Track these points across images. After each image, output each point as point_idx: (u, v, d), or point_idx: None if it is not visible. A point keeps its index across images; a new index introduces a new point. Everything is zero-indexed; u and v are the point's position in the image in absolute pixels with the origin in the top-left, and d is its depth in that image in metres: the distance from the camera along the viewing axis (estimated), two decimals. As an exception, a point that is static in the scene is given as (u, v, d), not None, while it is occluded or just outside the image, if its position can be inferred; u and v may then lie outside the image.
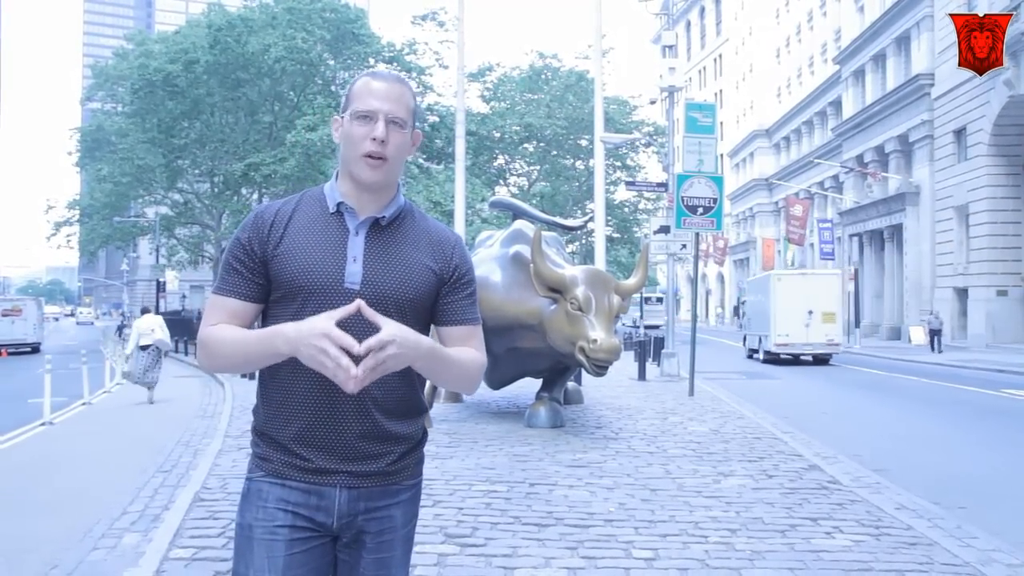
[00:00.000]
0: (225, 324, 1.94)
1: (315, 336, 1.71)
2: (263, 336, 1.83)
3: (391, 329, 1.75)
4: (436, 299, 2.02)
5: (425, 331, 2.02)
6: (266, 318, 1.99)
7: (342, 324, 1.78)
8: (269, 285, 1.96)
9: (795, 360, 24.83)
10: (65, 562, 5.01)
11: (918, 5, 37.35)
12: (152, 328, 14.88)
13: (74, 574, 4.79)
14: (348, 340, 1.70)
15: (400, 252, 1.98)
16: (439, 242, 2.05)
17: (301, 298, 1.91)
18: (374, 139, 1.91)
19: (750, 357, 27.12)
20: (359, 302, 1.78)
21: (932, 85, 35.88)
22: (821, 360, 24.65)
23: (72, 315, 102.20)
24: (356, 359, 1.71)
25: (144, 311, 16.85)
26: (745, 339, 29.17)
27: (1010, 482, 8.04)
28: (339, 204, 1.98)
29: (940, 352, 28.12)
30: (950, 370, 22.71)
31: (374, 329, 1.82)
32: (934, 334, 29.29)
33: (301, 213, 2.00)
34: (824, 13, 54.61)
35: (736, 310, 56.18)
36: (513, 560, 4.88)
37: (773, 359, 24.77)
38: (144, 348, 14.59)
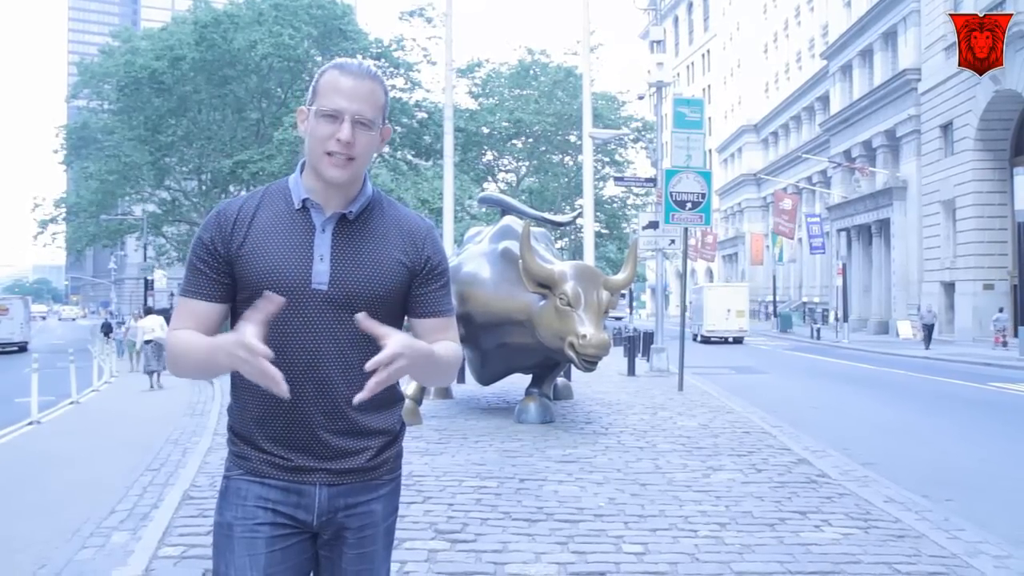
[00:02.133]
0: (188, 330, 1.89)
1: (235, 347, 1.67)
2: (210, 350, 1.79)
3: (399, 340, 1.71)
4: (408, 291, 1.97)
5: (398, 324, 1.97)
6: (235, 317, 1.91)
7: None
8: (235, 284, 1.91)
9: (724, 341, 34.69)
10: (54, 561, 4.98)
11: (904, 0, 37.48)
12: (153, 328, 17.73)
13: (63, 573, 4.75)
14: (263, 349, 1.65)
15: (369, 248, 1.92)
16: (409, 232, 1.98)
17: None
18: (339, 140, 1.83)
19: (693, 340, 34.97)
20: (286, 304, 1.73)
21: (919, 80, 36.03)
22: (737, 340, 34.78)
23: (57, 314, 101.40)
24: (362, 377, 1.70)
25: (148, 311, 21.23)
26: (690, 327, 39.59)
27: (997, 475, 8.09)
28: (304, 200, 1.91)
29: (928, 348, 28.21)
30: (938, 364, 22.86)
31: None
32: (927, 329, 29.33)
33: (265, 210, 1.93)
34: (811, 8, 54.79)
35: (684, 307, 63.89)
36: (503, 555, 4.88)
37: (706, 340, 34.79)
38: (148, 343, 17.36)
